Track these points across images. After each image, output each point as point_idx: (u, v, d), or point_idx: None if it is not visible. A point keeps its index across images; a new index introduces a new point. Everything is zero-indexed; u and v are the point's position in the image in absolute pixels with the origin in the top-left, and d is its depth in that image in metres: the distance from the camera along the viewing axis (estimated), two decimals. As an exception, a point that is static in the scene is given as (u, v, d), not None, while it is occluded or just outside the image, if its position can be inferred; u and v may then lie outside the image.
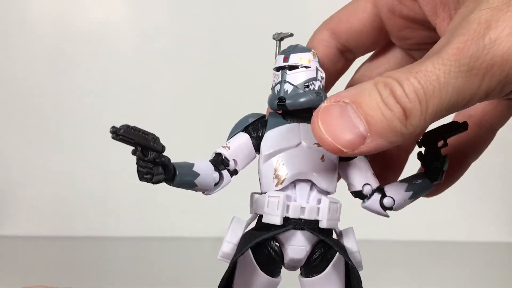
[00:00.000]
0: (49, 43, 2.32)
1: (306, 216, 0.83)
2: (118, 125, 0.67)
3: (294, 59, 0.88)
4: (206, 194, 0.85)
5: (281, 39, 0.96)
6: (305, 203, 0.83)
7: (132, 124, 0.69)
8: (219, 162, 0.85)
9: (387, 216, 0.91)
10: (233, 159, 0.86)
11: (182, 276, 1.70)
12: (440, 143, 0.87)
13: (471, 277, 1.78)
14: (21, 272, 1.72)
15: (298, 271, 0.91)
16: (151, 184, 0.74)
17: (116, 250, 2.06)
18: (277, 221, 0.82)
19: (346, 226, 0.91)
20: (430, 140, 0.87)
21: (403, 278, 1.72)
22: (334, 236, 0.90)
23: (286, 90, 0.87)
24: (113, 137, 0.67)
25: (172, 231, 2.25)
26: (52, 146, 2.34)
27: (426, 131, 0.88)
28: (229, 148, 0.87)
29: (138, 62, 2.35)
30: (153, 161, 0.72)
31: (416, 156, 0.91)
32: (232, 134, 0.90)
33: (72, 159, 2.34)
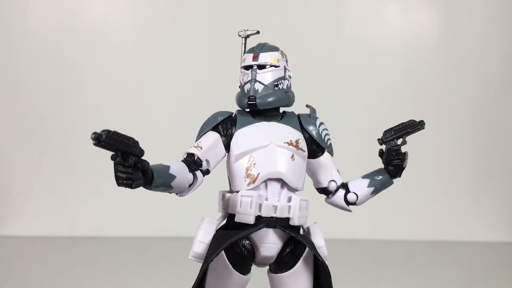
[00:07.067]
0: (49, 43, 2.32)
1: (278, 214, 0.84)
2: (98, 131, 0.64)
3: (263, 58, 0.89)
4: (180, 196, 0.85)
5: (247, 36, 0.96)
6: (277, 202, 0.85)
7: (112, 129, 0.67)
8: (192, 162, 0.84)
9: (350, 211, 0.93)
10: (206, 159, 0.86)
11: (182, 276, 1.69)
12: (400, 141, 0.90)
13: (471, 277, 1.78)
14: (21, 272, 1.72)
15: (267, 266, 0.91)
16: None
17: (116, 250, 2.06)
18: (251, 220, 0.82)
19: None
20: (390, 138, 0.91)
21: (403, 278, 1.72)
22: (301, 232, 0.91)
23: (256, 89, 0.87)
24: (94, 144, 0.64)
25: (172, 231, 2.25)
26: (53, 146, 2.34)
27: (386, 129, 0.92)
28: (201, 148, 0.86)
29: (138, 62, 2.35)
30: (133, 166, 0.69)
31: (377, 152, 0.94)
32: (202, 132, 0.90)
33: (72, 159, 2.34)
